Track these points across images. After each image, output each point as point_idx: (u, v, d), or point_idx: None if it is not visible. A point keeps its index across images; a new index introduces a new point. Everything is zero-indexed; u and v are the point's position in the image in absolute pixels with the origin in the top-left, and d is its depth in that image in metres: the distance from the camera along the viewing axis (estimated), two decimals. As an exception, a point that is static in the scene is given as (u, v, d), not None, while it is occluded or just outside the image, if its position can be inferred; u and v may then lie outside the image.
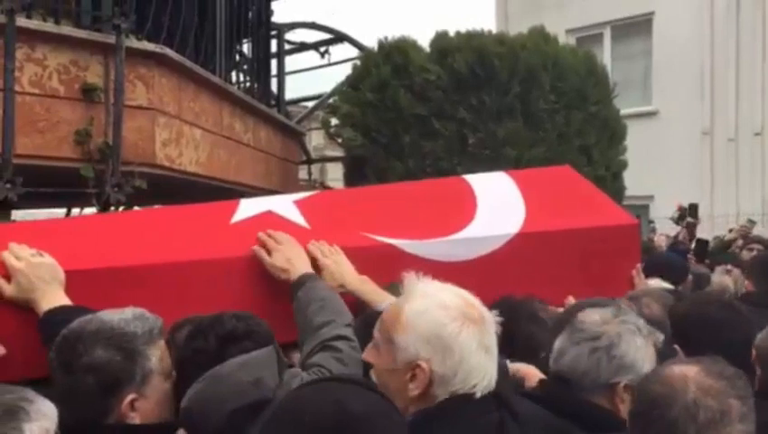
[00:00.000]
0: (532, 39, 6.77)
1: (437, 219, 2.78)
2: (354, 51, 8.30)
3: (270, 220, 2.57)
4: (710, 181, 11.48)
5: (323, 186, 12.06)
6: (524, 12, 12.28)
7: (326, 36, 8.52)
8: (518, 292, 2.54)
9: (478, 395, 1.55)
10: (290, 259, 2.35)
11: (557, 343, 1.96)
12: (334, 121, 7.58)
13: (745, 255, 6.38)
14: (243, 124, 5.64)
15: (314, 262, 2.41)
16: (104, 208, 4.04)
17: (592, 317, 1.96)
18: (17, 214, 5.06)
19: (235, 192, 5.45)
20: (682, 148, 11.44)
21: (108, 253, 2.31)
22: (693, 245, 7.13)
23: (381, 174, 6.52)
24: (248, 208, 2.65)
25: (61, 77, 3.85)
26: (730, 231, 8.13)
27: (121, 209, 4.16)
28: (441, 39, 6.72)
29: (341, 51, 8.72)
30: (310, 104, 9.43)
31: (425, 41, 6.84)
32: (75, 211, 5.61)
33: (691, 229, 7.44)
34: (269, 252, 2.37)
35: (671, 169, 11.22)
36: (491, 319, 1.65)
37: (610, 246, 2.92)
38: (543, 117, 6.45)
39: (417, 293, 1.66)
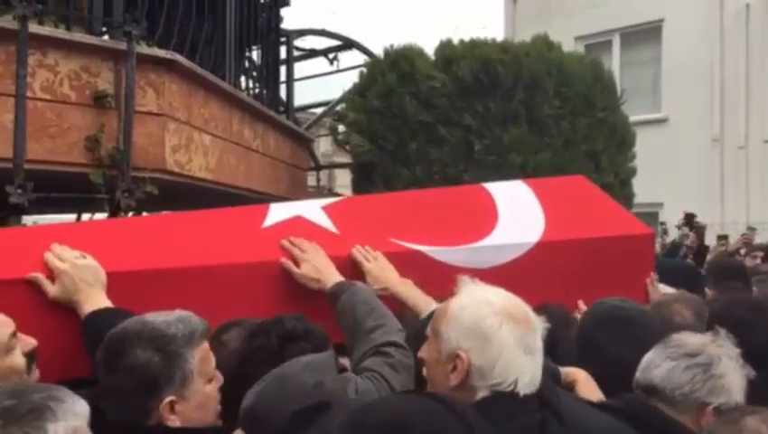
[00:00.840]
0: (535, 46, 6.81)
1: (461, 226, 2.83)
2: (363, 58, 8.32)
3: (300, 224, 2.63)
4: (720, 188, 11.43)
5: (332, 193, 12.09)
6: (532, 19, 12.29)
7: (335, 43, 8.55)
8: (537, 300, 2.54)
9: (521, 394, 1.58)
10: (319, 268, 2.42)
11: (649, 355, 1.97)
12: (341, 128, 7.61)
13: (749, 262, 6.35)
14: (252, 130, 5.65)
15: (358, 266, 2.49)
16: (114, 213, 4.05)
17: (691, 338, 1.99)
18: (27, 220, 5.08)
19: (244, 198, 5.47)
20: (692, 155, 11.41)
21: (146, 255, 2.35)
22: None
23: (388, 180, 6.54)
24: (277, 213, 2.71)
25: (73, 83, 3.87)
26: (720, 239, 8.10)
27: (130, 214, 4.17)
28: (445, 47, 6.76)
29: (350, 57, 8.76)
30: (318, 110, 9.45)
31: (431, 48, 6.89)
32: (85, 216, 5.64)
33: (699, 234, 7.41)
34: (297, 263, 2.44)
35: (681, 176, 11.18)
36: (538, 323, 1.68)
37: (625, 255, 2.96)
38: (548, 123, 6.47)
39: (466, 290, 1.75)
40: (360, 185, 7.17)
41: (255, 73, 6.52)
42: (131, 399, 1.66)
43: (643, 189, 7.80)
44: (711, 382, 1.87)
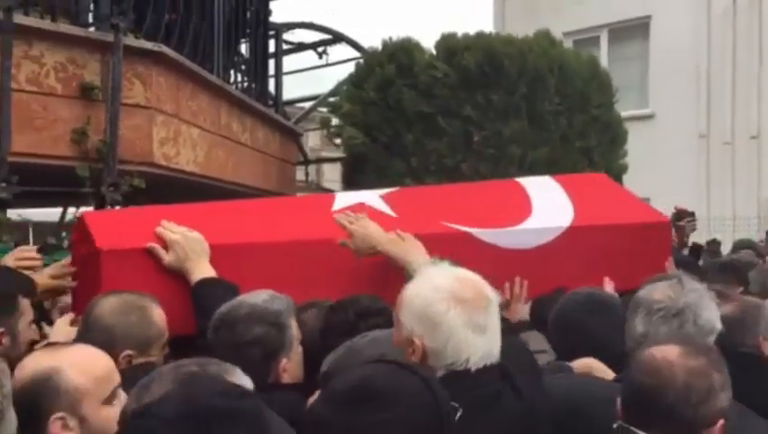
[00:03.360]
0: (538, 42, 6.81)
1: (501, 212, 3.17)
2: (352, 52, 8.29)
3: (364, 209, 2.96)
4: (706, 184, 11.48)
5: (320, 188, 12.05)
6: (521, 15, 12.29)
7: (324, 36, 8.51)
8: (567, 280, 2.85)
9: (473, 370, 1.67)
10: (370, 234, 2.68)
11: (629, 324, 2.10)
12: (335, 121, 7.57)
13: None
14: (241, 124, 5.62)
15: (343, 229, 2.73)
16: (99, 207, 4.01)
17: (657, 293, 2.10)
18: (11, 213, 5.02)
19: (232, 191, 5.43)
20: (679, 151, 11.45)
21: (240, 231, 2.73)
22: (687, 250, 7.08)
23: (381, 172, 6.52)
24: (342, 199, 3.06)
25: (59, 75, 3.82)
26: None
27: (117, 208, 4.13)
28: (448, 39, 6.75)
29: (339, 51, 8.72)
30: (307, 105, 9.41)
31: (425, 42, 6.88)
32: (71, 210, 5.57)
33: (680, 233, 7.37)
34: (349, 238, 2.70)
35: (668, 172, 11.22)
36: (488, 301, 1.75)
37: (645, 241, 3.27)
38: (548, 119, 6.49)
39: (420, 276, 1.84)
40: (351, 178, 7.14)
41: (243, 66, 6.48)
42: (257, 365, 1.92)
43: (630, 184, 7.77)
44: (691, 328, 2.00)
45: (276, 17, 7.19)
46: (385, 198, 3.10)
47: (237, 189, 5.55)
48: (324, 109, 8.66)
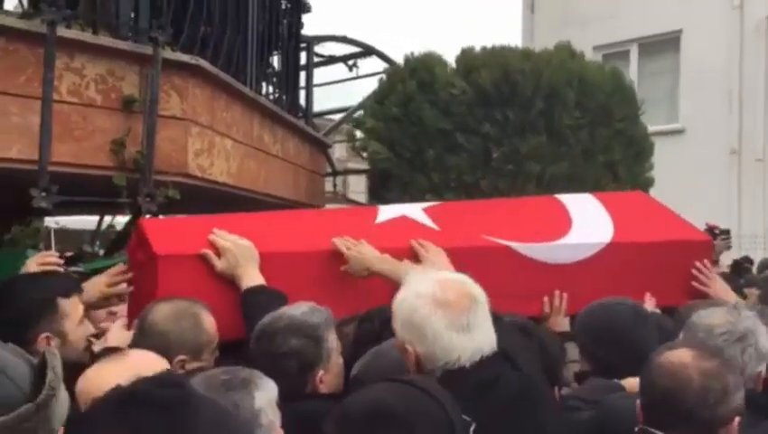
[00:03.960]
0: (558, 55, 6.79)
1: (541, 227, 3.22)
2: (382, 65, 8.33)
3: (406, 222, 3.09)
4: (737, 200, 11.35)
5: (346, 199, 12.09)
6: (550, 28, 12.27)
7: (355, 49, 8.56)
8: (607, 295, 2.83)
9: (467, 366, 1.75)
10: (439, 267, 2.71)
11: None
12: (359, 134, 7.62)
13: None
14: (272, 135, 5.67)
15: (340, 254, 2.80)
16: (135, 218, 4.08)
17: (712, 319, 2.15)
18: (50, 221, 5.11)
19: (263, 202, 5.48)
20: (709, 167, 11.33)
21: (288, 241, 2.84)
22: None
23: (405, 187, 6.55)
24: (386, 212, 3.19)
25: (99, 86, 3.90)
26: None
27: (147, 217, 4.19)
28: (467, 55, 6.76)
29: (370, 64, 8.77)
30: (336, 116, 9.47)
31: (451, 56, 6.89)
32: (107, 219, 5.66)
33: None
34: (421, 260, 2.79)
35: (698, 188, 11.10)
36: (472, 300, 1.81)
37: (686, 258, 3.28)
38: (567, 133, 6.45)
39: (405, 285, 1.93)
40: (376, 192, 7.18)
41: (275, 78, 6.54)
42: (293, 376, 2.04)
43: (659, 199, 7.73)
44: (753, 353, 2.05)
45: (307, 29, 7.27)
46: (427, 211, 3.18)
47: (267, 199, 5.60)
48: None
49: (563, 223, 3.27)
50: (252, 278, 2.58)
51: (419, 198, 6.35)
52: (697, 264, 3.28)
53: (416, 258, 2.83)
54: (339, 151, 15.78)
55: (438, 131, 6.46)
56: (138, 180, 3.95)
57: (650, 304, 2.96)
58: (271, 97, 6.27)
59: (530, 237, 3.11)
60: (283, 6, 6.27)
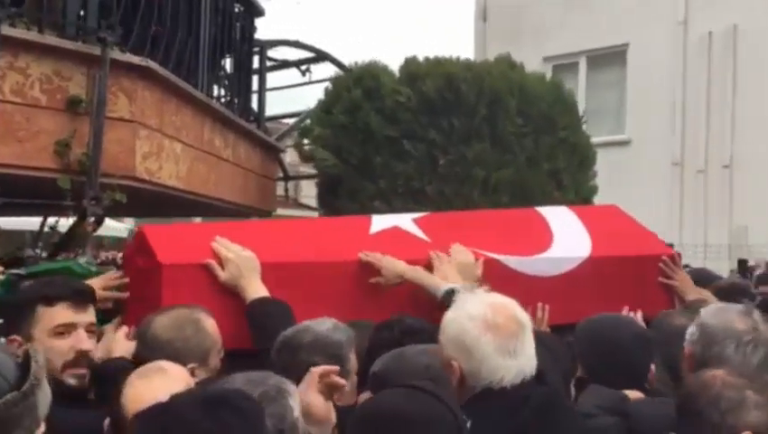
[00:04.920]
0: (498, 66, 6.92)
1: (525, 240, 3.31)
2: (335, 71, 8.34)
3: (400, 233, 3.15)
4: (679, 211, 11.69)
5: (298, 204, 12.04)
6: (502, 40, 12.45)
7: (308, 55, 8.56)
8: (585, 307, 2.97)
9: (509, 387, 1.83)
10: (447, 277, 2.84)
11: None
12: (307, 142, 7.61)
13: None
14: (223, 139, 5.63)
15: (373, 266, 2.89)
16: (80, 221, 4.00)
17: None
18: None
19: (213, 207, 5.43)
20: (653, 178, 11.65)
21: (288, 251, 2.85)
22: None
23: (353, 194, 6.57)
24: (378, 223, 3.22)
25: (44, 86, 3.82)
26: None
27: (91, 220, 4.12)
28: (410, 64, 6.84)
29: (323, 69, 8.77)
30: (288, 121, 9.44)
31: (395, 65, 6.96)
32: (50, 221, 5.53)
33: None
34: (433, 269, 2.90)
35: (642, 198, 11.36)
36: (521, 326, 1.90)
37: (654, 272, 3.42)
38: (511, 141, 6.56)
39: (458, 302, 2.01)
40: (325, 199, 7.18)
41: (227, 82, 6.50)
42: None
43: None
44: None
45: (260, 34, 7.24)
46: (417, 222, 3.27)
47: (218, 204, 5.56)
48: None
49: (545, 237, 3.37)
50: (256, 289, 2.60)
51: (368, 204, 6.39)
52: (663, 258, 3.46)
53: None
54: (291, 155, 15.69)
55: (385, 138, 6.50)
56: (83, 182, 3.88)
57: (638, 316, 3.06)
58: (223, 100, 6.23)
59: (516, 250, 3.20)
60: (236, 9, 6.23)
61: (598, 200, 7.60)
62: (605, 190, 7.80)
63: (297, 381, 1.90)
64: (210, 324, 2.27)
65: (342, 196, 6.67)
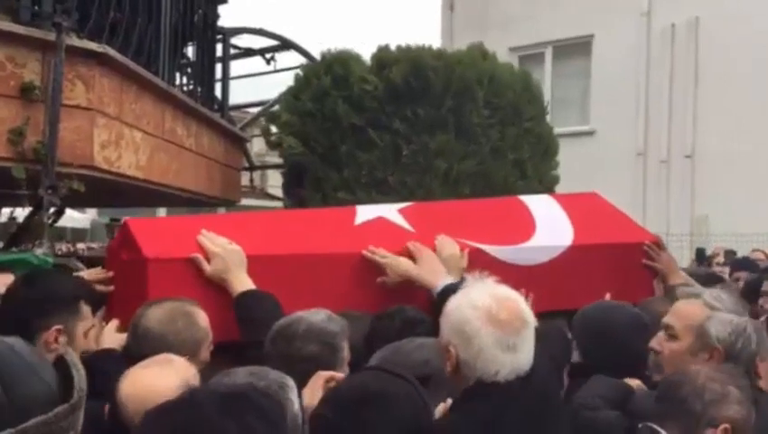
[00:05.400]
0: (470, 55, 6.89)
1: (509, 230, 3.32)
2: (300, 59, 8.26)
3: (385, 224, 3.13)
4: (642, 200, 11.84)
5: (264, 194, 11.94)
6: (469, 29, 12.47)
7: (273, 43, 8.46)
8: (567, 296, 3.06)
9: (502, 381, 1.82)
10: (435, 270, 2.86)
11: None
12: (274, 129, 7.53)
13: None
14: (186, 128, 5.54)
15: (376, 262, 2.90)
16: (37, 210, 3.91)
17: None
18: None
19: (176, 197, 5.35)
20: (617, 168, 11.77)
21: (272, 243, 2.84)
22: None
23: (318, 183, 6.52)
24: (363, 213, 3.21)
25: (-4, 73, 3.71)
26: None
27: (51, 210, 4.03)
28: (382, 52, 6.79)
29: (288, 58, 8.68)
30: (253, 110, 9.33)
31: (368, 55, 6.89)
32: (5, 211, 5.39)
33: None
34: (416, 262, 2.91)
35: (606, 188, 11.34)
36: (524, 322, 1.88)
37: (637, 258, 3.45)
38: (476, 131, 6.55)
39: (464, 290, 2.00)
40: (291, 187, 7.11)
41: (189, 70, 6.39)
42: (307, 380, 2.04)
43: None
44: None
45: (224, 21, 7.14)
46: (402, 212, 3.26)
47: (180, 194, 5.47)
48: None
49: (528, 226, 3.38)
50: (242, 282, 2.60)
51: (331, 194, 6.35)
52: (646, 241, 3.50)
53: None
54: (258, 145, 15.57)
55: (351, 127, 6.45)
56: (40, 172, 3.78)
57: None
58: (185, 89, 6.13)
59: (500, 240, 3.21)
60: (198, -4, 6.13)
61: (562, 190, 7.65)
62: (570, 179, 7.85)
63: (290, 370, 1.92)
64: (201, 316, 2.29)
65: (307, 185, 6.62)
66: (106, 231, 10.32)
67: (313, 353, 2.14)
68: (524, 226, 3.38)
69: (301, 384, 1.90)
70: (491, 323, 1.84)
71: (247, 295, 2.57)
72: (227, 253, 2.63)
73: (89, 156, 4.07)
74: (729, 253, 8.18)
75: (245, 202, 8.48)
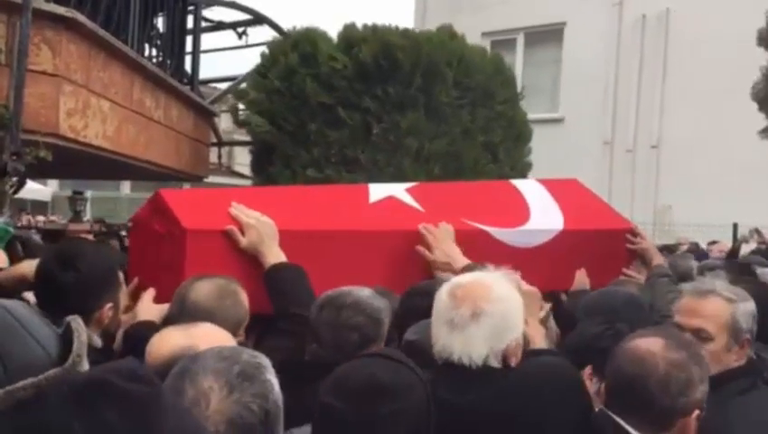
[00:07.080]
0: (438, 36, 6.88)
1: (507, 212, 3.40)
2: (272, 35, 8.15)
3: (397, 203, 3.18)
4: (608, 189, 11.98)
5: (231, 171, 11.80)
6: (442, 13, 12.41)
7: (245, 17, 8.33)
8: (556, 279, 3.13)
9: (458, 361, 1.85)
10: (449, 254, 2.91)
11: None
12: (242, 107, 7.43)
13: None
14: (155, 99, 5.43)
15: (427, 244, 2.96)
16: (0, 176, 3.80)
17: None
18: None
19: (143, 169, 5.25)
20: (584, 156, 11.88)
21: (300, 217, 2.87)
22: None
23: (287, 161, 6.46)
24: (376, 192, 3.24)
25: (-41, 34, 3.59)
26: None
27: (14, 179, 3.93)
28: (348, 30, 6.73)
29: (260, 33, 8.56)
30: (223, 85, 9.20)
31: (334, 32, 6.84)
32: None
33: None
34: (429, 249, 2.95)
35: (573, 175, 11.55)
36: (476, 310, 1.88)
37: (615, 245, 3.56)
38: (446, 111, 6.55)
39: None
40: (259, 166, 7.04)
41: (159, 41, 6.26)
42: (354, 348, 2.11)
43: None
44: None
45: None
46: (410, 192, 3.31)
47: (148, 167, 5.38)
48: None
49: (523, 210, 3.47)
50: (275, 254, 2.63)
51: (301, 172, 6.30)
52: (628, 230, 3.62)
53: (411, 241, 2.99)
54: (225, 122, 15.36)
55: (320, 105, 6.40)
56: (3, 137, 3.67)
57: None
58: (155, 60, 6.00)
59: (501, 222, 3.29)
60: (170, -35, 6.00)
61: (532, 176, 7.70)
62: (538, 166, 7.91)
63: (336, 335, 2.13)
64: (244, 296, 2.31)
65: (276, 163, 6.55)
66: (68, 204, 10.12)
67: (359, 324, 2.22)
68: (520, 210, 3.48)
69: (344, 351, 2.03)
70: (449, 296, 1.94)
71: (280, 267, 2.60)
72: (260, 225, 2.65)
73: (55, 124, 3.96)
74: (693, 245, 8.31)
75: (212, 179, 8.37)
